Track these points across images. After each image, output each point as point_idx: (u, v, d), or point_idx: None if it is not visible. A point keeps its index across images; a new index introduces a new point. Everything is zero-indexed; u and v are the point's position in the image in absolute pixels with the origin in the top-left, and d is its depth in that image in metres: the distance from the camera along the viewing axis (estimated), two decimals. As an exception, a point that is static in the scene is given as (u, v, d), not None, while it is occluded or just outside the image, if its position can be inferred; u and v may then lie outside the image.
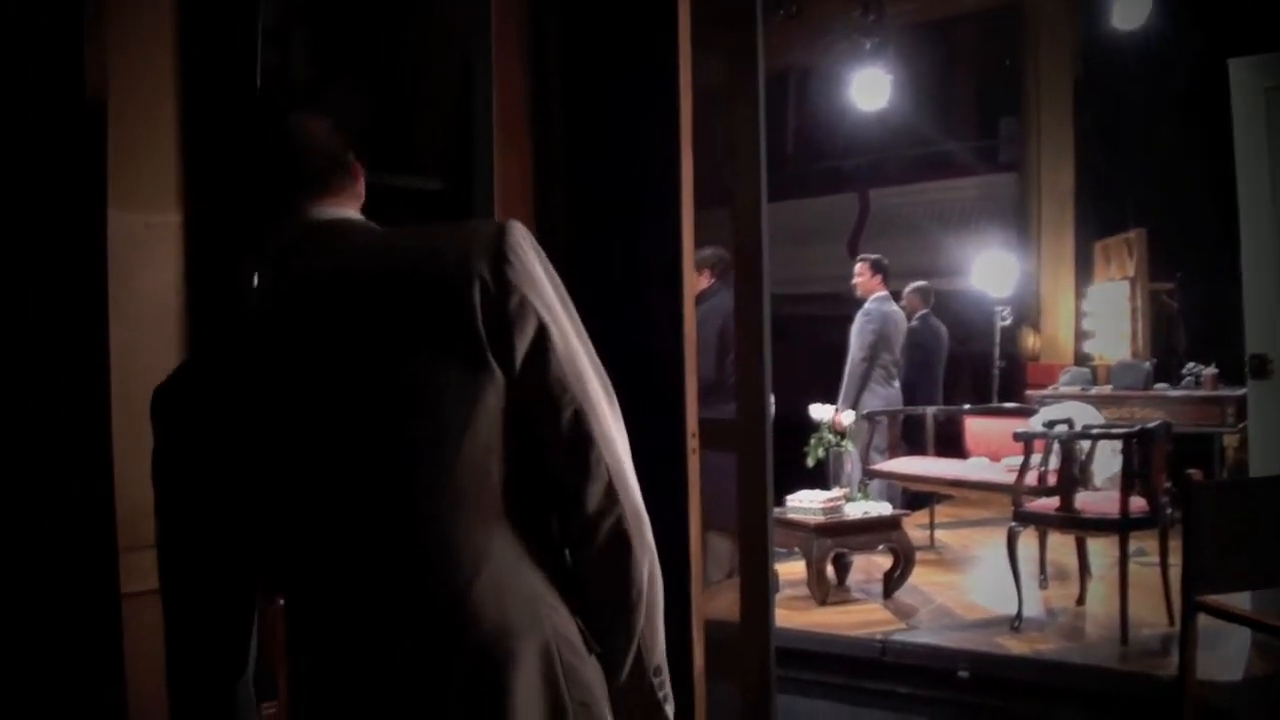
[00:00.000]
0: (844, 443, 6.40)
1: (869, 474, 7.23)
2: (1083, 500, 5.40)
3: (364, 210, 1.59)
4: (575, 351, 1.38)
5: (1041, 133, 11.07)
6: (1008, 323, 10.21)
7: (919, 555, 6.38)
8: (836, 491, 6.19)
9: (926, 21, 11.39)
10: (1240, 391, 6.66)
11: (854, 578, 6.42)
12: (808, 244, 12.22)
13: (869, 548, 6.16)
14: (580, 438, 1.36)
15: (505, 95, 3.06)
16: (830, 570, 6.14)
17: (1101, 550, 5.94)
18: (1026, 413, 7.30)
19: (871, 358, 7.70)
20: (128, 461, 2.19)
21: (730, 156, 3.24)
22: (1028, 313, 11.07)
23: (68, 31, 2.33)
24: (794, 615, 5.72)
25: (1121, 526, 5.14)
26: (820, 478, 6.57)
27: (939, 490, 7.35)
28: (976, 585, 6.38)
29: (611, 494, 1.36)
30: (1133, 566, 5.17)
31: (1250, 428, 5.45)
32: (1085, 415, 6.46)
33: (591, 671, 1.38)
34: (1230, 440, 7.93)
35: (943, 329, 8.83)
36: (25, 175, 2.30)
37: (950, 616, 5.69)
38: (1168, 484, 5.33)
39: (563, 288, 1.43)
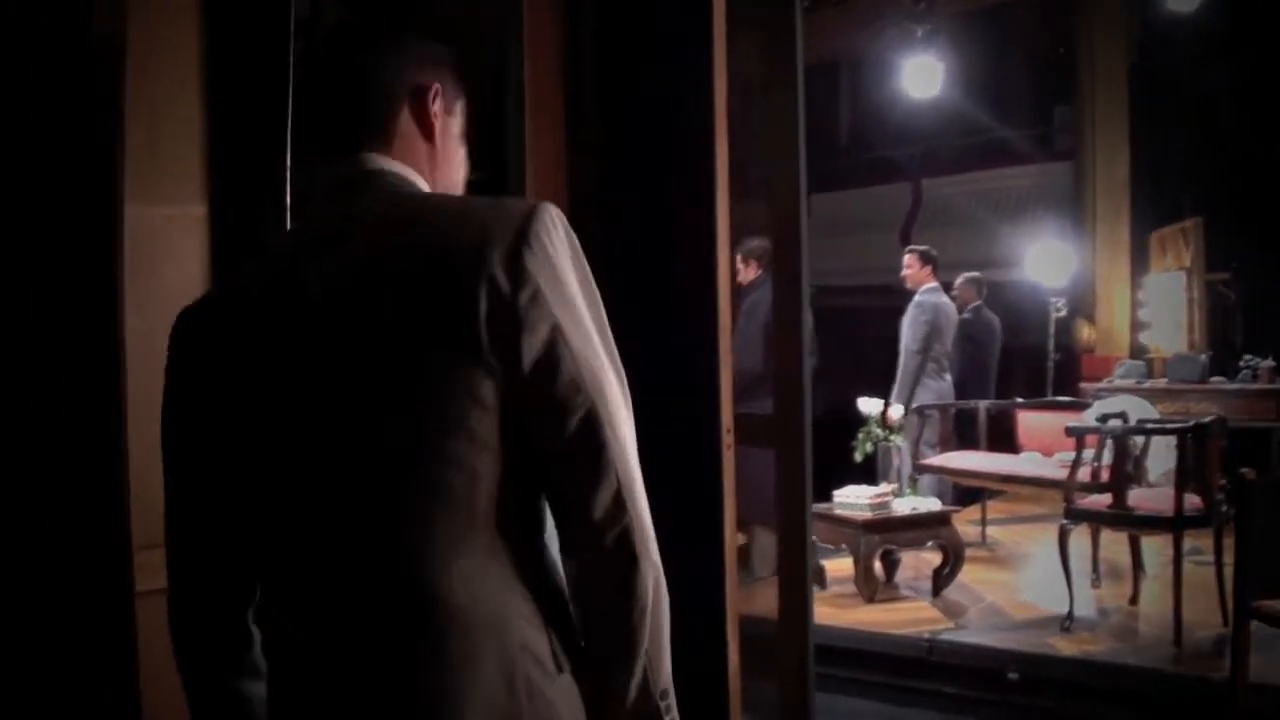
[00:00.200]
0: (892, 437, 6.31)
1: (919, 469, 7.15)
2: (1136, 497, 5.28)
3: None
4: (594, 351, 1.30)
5: (1096, 120, 10.87)
6: (1062, 314, 10.04)
7: (970, 551, 6.30)
8: (885, 487, 6.10)
9: (978, 8, 11.27)
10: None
11: (903, 574, 6.34)
12: (859, 234, 12.15)
13: (917, 544, 6.07)
14: (592, 442, 1.28)
15: (537, 82, 3.02)
16: (878, 566, 6.07)
17: (1156, 548, 5.80)
18: (1080, 406, 7.20)
19: (925, 350, 7.61)
20: (147, 456, 2.16)
21: (768, 144, 3.16)
22: (1082, 304, 10.90)
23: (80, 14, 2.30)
24: (840, 613, 5.67)
25: (1175, 525, 5.01)
26: (869, 472, 6.48)
27: (990, 486, 7.23)
28: (1027, 583, 6.28)
29: (620, 503, 1.28)
30: (1188, 565, 5.06)
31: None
32: (1140, 409, 6.33)
33: (559, 691, 1.30)
34: (1287, 435, 7.75)
35: (995, 321, 8.70)
36: (39, 167, 2.27)
37: (1000, 615, 5.60)
38: (1223, 481, 5.18)
39: (591, 280, 1.35)
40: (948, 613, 5.63)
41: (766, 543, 4.47)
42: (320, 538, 1.30)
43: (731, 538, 2.94)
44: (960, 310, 8.24)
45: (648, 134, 3.04)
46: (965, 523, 6.97)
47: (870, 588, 5.85)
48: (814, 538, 5.93)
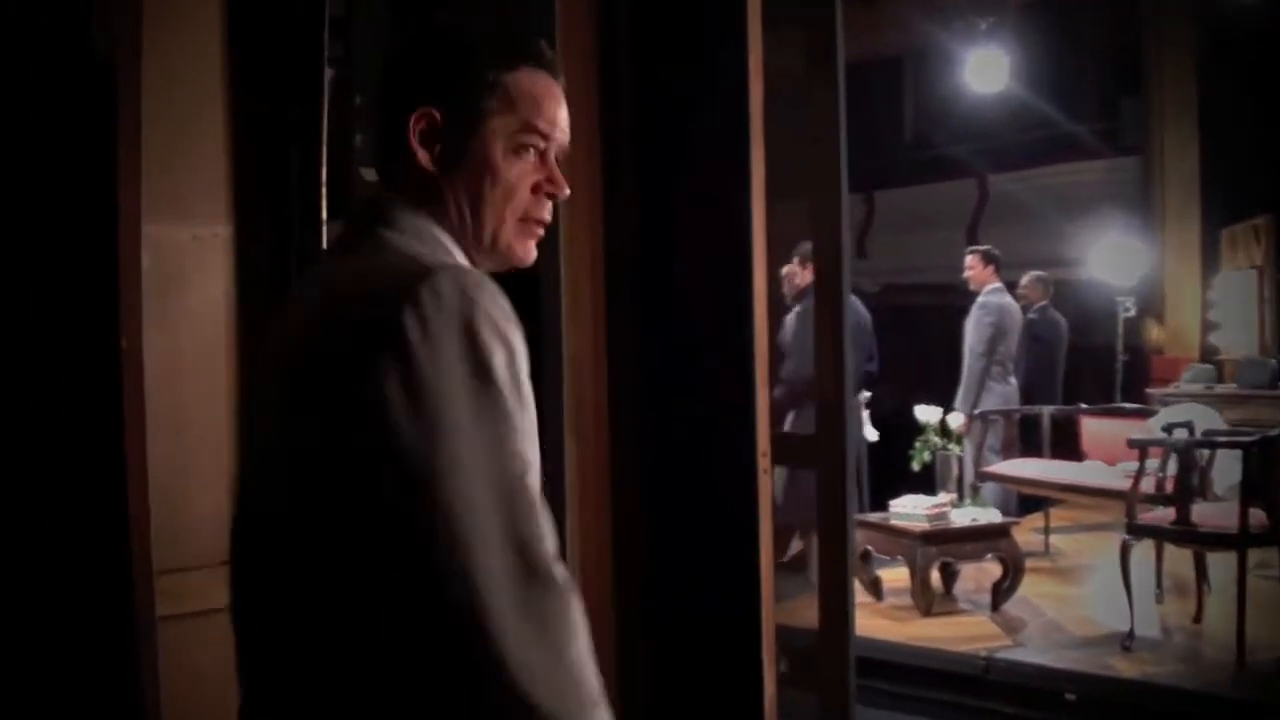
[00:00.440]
0: (951, 446, 6.17)
1: (981, 476, 7.03)
2: (1199, 513, 5.12)
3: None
4: (460, 468, 1.09)
5: (1165, 112, 10.65)
6: (1131, 314, 9.79)
7: (1032, 561, 6.19)
8: (943, 497, 5.99)
9: (1043, -1, 11.03)
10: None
11: (962, 585, 6.22)
12: (925, 231, 11.97)
13: (976, 557, 5.92)
14: (441, 571, 1.08)
15: (571, 84, 2.95)
16: (936, 576, 5.96)
17: (1223, 562, 5.60)
18: (1145, 414, 7.05)
19: (990, 352, 7.50)
20: (170, 477, 2.10)
21: (809, 143, 3.07)
22: (1151, 304, 10.65)
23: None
24: (896, 626, 5.59)
25: (1240, 543, 4.85)
26: (928, 481, 6.33)
27: (1052, 495, 7.08)
28: (1089, 598, 6.13)
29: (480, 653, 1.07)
30: (1255, 581, 4.90)
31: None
32: (1206, 419, 6.17)
33: None
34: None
35: (1062, 321, 8.53)
36: (36, 173, 2.22)
37: (1060, 632, 5.48)
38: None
39: (498, 369, 1.13)
40: (1007, 628, 5.52)
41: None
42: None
43: (768, 561, 2.90)
44: (1026, 310, 8.09)
45: (681, 137, 3.01)
46: (1028, 531, 6.86)
47: (927, 600, 5.75)
48: (870, 548, 5.84)
